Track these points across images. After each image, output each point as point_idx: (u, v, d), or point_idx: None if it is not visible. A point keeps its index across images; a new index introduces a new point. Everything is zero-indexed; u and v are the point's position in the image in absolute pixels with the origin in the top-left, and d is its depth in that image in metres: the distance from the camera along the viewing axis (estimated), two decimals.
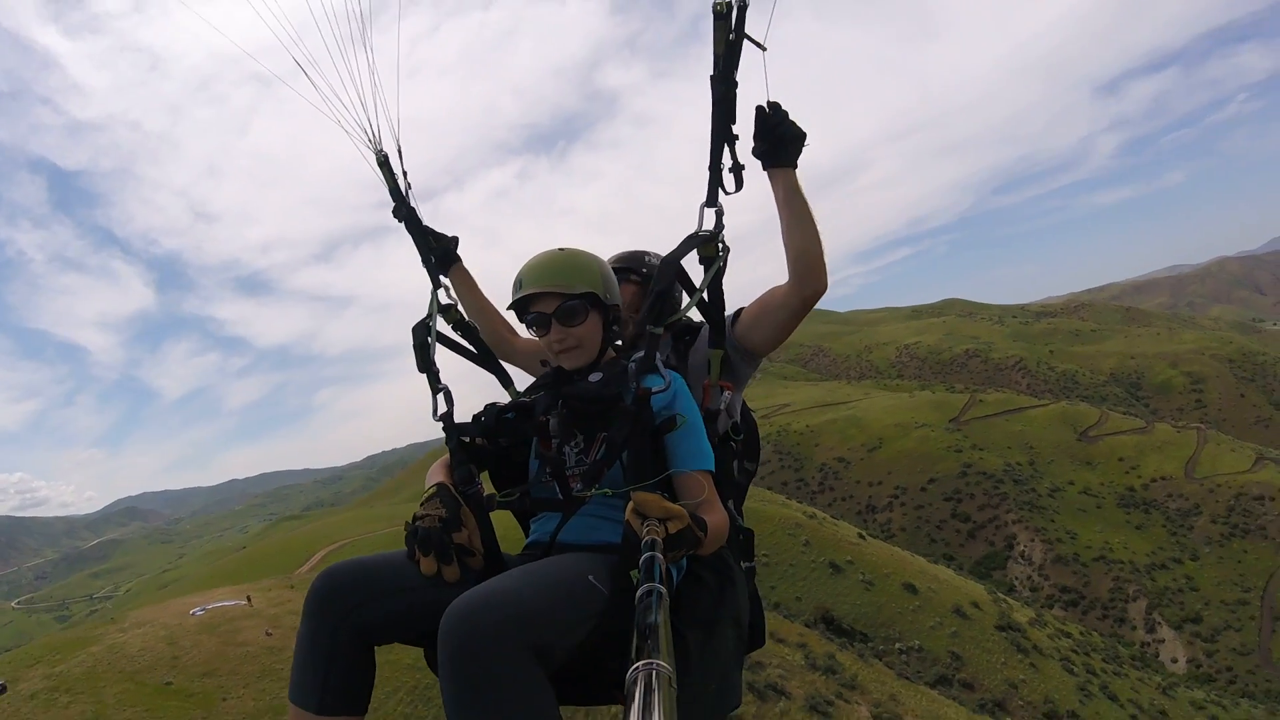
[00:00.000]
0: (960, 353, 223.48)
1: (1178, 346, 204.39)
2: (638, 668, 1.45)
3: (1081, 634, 74.80)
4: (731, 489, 3.20)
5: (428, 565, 2.59)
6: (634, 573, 2.23)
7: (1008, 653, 59.77)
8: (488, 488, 3.05)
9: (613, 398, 2.84)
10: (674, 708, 1.36)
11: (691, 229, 3.18)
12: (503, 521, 3.02)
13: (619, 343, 3.27)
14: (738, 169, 3.16)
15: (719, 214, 3.18)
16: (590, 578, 2.49)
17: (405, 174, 3.63)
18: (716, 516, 2.66)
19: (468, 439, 3.08)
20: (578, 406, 2.91)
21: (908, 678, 48.96)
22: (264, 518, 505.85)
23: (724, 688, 2.75)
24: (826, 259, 3.24)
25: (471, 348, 3.56)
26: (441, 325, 3.43)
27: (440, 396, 3.14)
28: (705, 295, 3.21)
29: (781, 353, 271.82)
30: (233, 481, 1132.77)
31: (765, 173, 3.25)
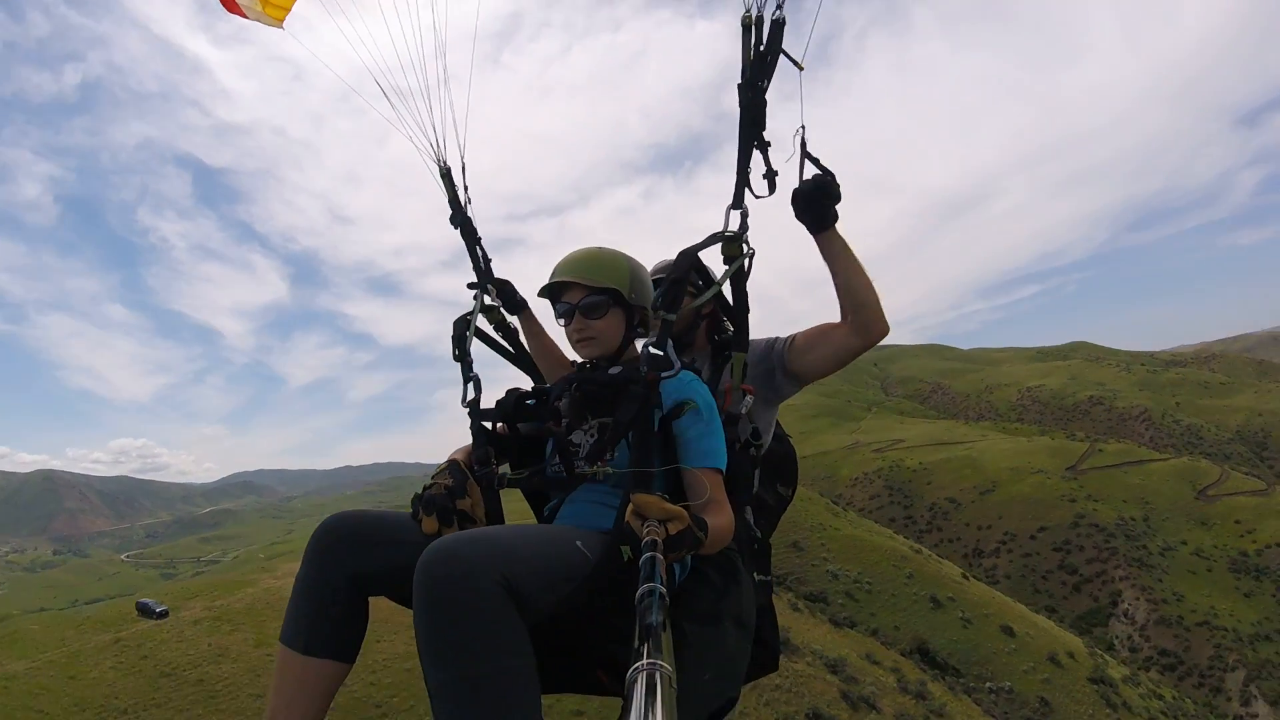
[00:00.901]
0: (1084, 399, 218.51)
1: None
2: (638, 667, 1.48)
3: (1174, 698, 75.29)
4: (749, 496, 3.23)
5: (429, 524, 2.66)
6: (625, 549, 2.40)
7: (1096, 705, 61.61)
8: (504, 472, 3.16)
9: (623, 382, 2.91)
10: (674, 708, 1.40)
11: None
12: (516, 512, 3.08)
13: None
14: (771, 175, 3.27)
15: (744, 216, 3.26)
16: (578, 543, 2.54)
17: (466, 188, 3.88)
18: (720, 518, 2.67)
19: (490, 424, 3.21)
20: (590, 390, 3.01)
21: (994, 717, 51.95)
22: (374, 503, 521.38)
23: (720, 681, 2.74)
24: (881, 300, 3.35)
25: (509, 347, 3.81)
26: (483, 324, 3.64)
27: (470, 384, 3.30)
28: (729, 295, 3.36)
29: (899, 388, 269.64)
30: (348, 467, 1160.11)
31: (812, 237, 3.39)
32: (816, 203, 3.27)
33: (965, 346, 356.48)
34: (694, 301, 3.37)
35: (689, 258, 3.21)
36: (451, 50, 3.58)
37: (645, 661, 1.48)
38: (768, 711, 33.80)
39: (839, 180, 3.30)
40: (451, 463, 2.95)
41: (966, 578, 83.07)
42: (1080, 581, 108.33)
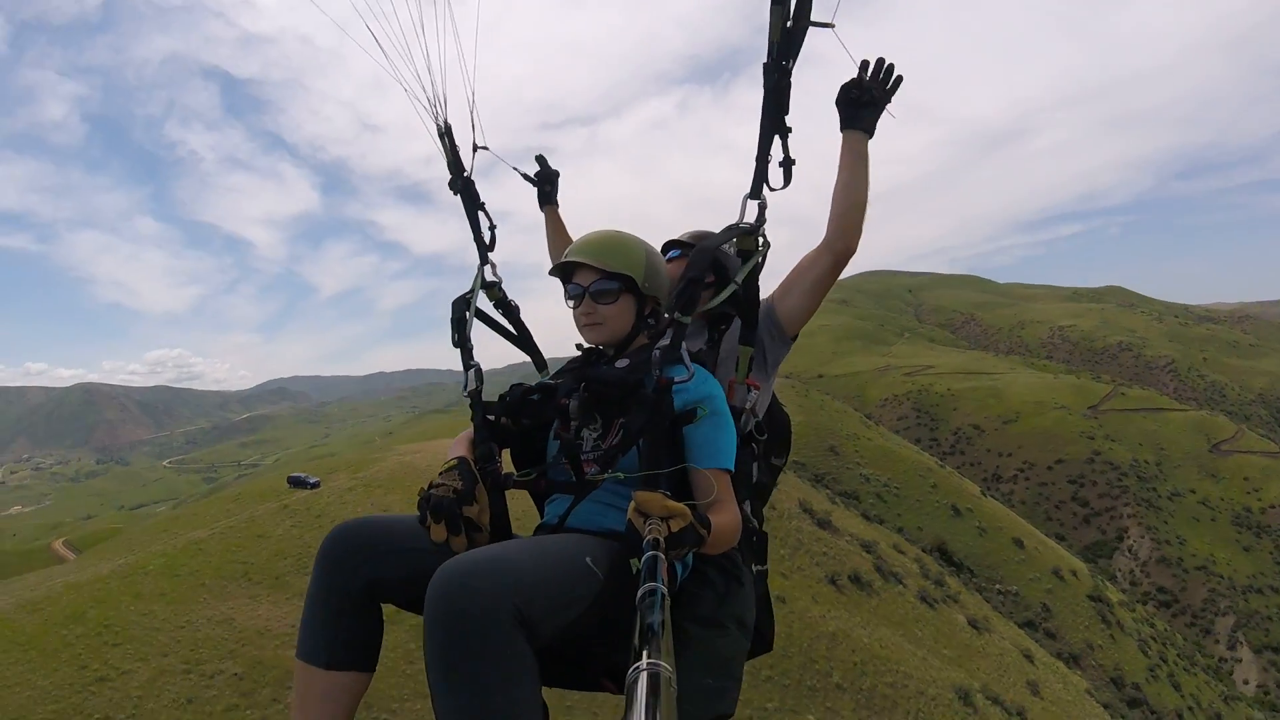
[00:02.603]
0: (1113, 344, 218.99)
1: None
2: (639, 668, 1.44)
3: (1165, 630, 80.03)
4: (749, 489, 3.20)
5: (438, 532, 2.61)
6: (634, 561, 2.40)
7: (1092, 619, 66.68)
8: (508, 467, 3.11)
9: (634, 384, 2.86)
10: (674, 709, 1.37)
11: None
12: (521, 506, 3.16)
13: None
14: (788, 164, 3.15)
15: (761, 207, 3.19)
16: (588, 560, 2.51)
17: (475, 148, 3.60)
18: (725, 517, 2.66)
19: (492, 417, 3.15)
20: (599, 391, 2.92)
21: (1001, 612, 57.55)
22: (408, 410, 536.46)
23: (721, 684, 2.77)
24: (865, 214, 3.25)
25: (511, 327, 3.62)
26: (484, 302, 3.47)
27: (471, 373, 3.21)
28: (741, 288, 3.24)
29: (932, 316, 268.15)
30: (380, 374, 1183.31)
31: (841, 133, 3.30)
32: (877, 106, 3.27)
33: (1001, 280, 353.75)
34: (709, 303, 3.27)
35: (708, 255, 3.13)
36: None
37: (646, 661, 1.46)
38: (818, 570, 39.25)
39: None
40: (461, 461, 2.87)
41: (984, 494, 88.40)
42: (1090, 514, 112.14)
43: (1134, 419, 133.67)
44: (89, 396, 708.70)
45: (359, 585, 2.57)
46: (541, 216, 4.25)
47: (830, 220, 3.26)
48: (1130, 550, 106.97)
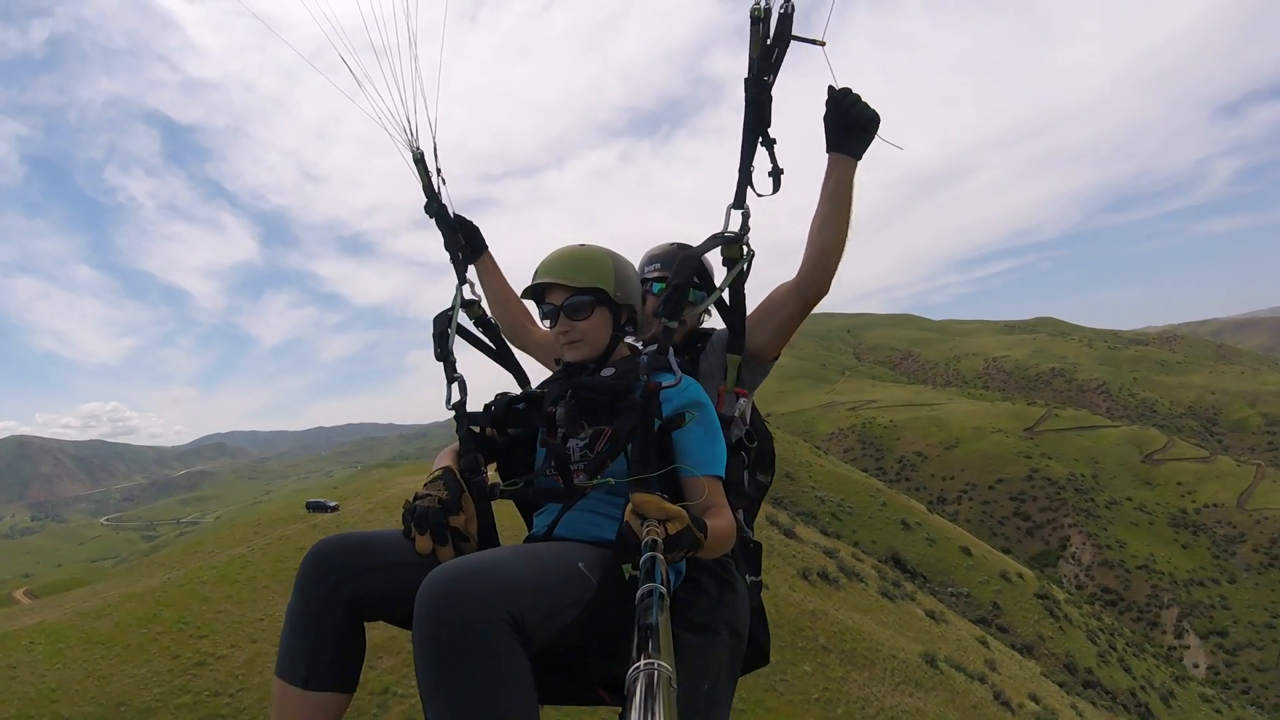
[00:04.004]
0: (1046, 370, 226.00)
1: (1259, 387, 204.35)
2: (639, 667, 1.43)
3: (1113, 624, 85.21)
4: (741, 499, 3.14)
5: (423, 544, 2.56)
6: (627, 567, 2.37)
7: (1041, 614, 71.74)
8: (494, 479, 3.06)
9: (622, 390, 2.82)
10: (674, 708, 1.35)
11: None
12: (509, 520, 3.12)
13: (637, 342, 3.32)
14: (777, 172, 3.19)
15: (745, 216, 3.18)
16: (580, 565, 2.48)
17: (439, 172, 3.61)
18: (720, 521, 2.63)
19: (477, 428, 3.12)
20: (586, 398, 2.86)
21: (955, 610, 61.90)
22: (350, 465, 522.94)
23: (715, 692, 2.73)
24: (842, 261, 3.28)
25: (490, 343, 3.59)
26: (464, 320, 3.48)
27: (454, 385, 3.18)
28: (726, 298, 3.26)
29: (871, 354, 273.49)
30: (320, 429, 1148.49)
31: (827, 154, 3.26)
32: (872, 127, 3.23)
33: (936, 318, 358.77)
34: (694, 310, 3.34)
35: (692, 262, 3.15)
36: (422, 32, 3.34)
37: (645, 662, 1.44)
38: (789, 568, 43.71)
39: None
40: (446, 471, 2.85)
41: (931, 511, 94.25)
42: (1033, 527, 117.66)
43: (1068, 437, 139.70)
44: (23, 449, 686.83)
45: (340, 604, 2.48)
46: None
47: (806, 259, 3.28)
48: (1074, 557, 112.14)
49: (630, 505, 2.37)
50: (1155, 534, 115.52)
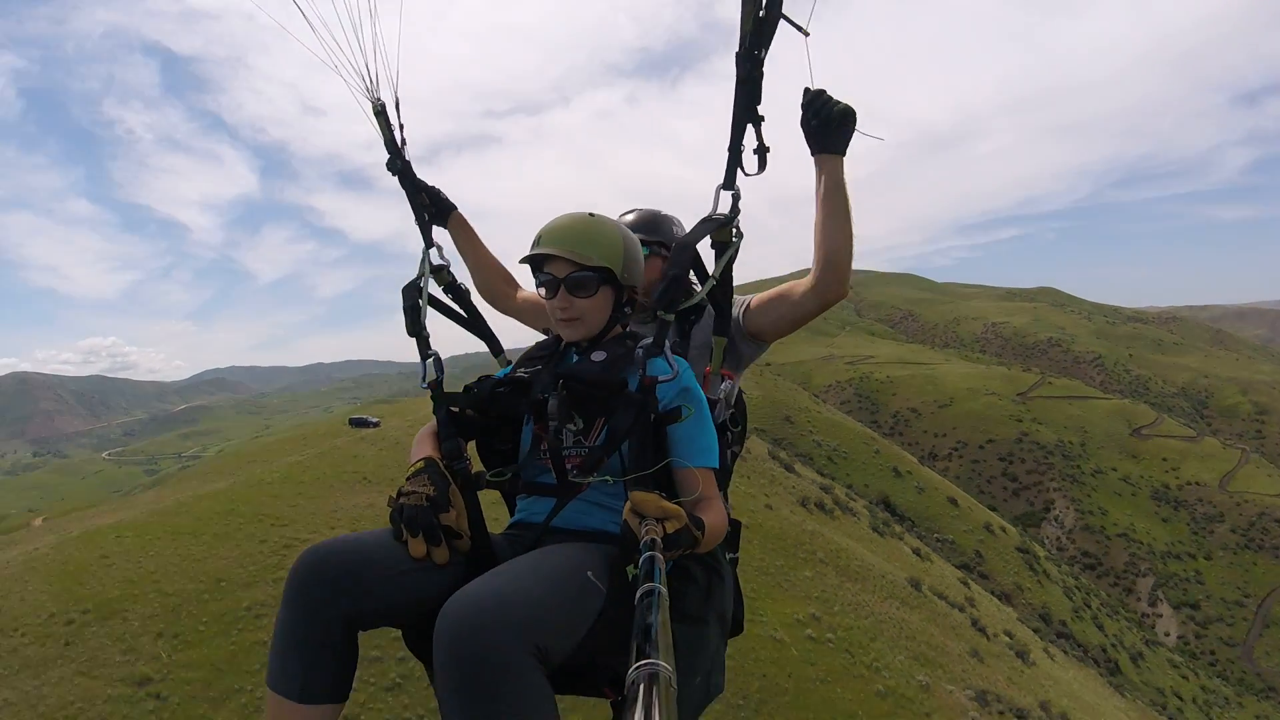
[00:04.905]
0: (1043, 339, 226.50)
1: (1254, 375, 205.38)
2: (639, 667, 1.42)
3: (1090, 585, 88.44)
4: (727, 480, 3.13)
5: (417, 547, 2.49)
6: (630, 569, 2.32)
7: (1020, 566, 74.74)
8: (475, 464, 2.95)
9: (617, 383, 2.78)
10: (674, 708, 1.35)
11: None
12: (490, 499, 2.92)
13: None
14: (762, 150, 3.12)
15: (735, 198, 3.14)
16: (589, 574, 2.45)
17: (402, 127, 3.43)
18: (715, 515, 2.62)
19: (457, 410, 2.99)
20: (579, 389, 2.81)
21: (939, 554, 64.62)
22: (348, 400, 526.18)
23: (708, 680, 2.78)
24: (854, 255, 3.20)
25: (462, 311, 3.47)
26: (433, 288, 3.31)
27: (430, 363, 3.06)
28: (717, 281, 3.18)
29: (871, 311, 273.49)
30: (319, 364, 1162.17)
31: (812, 158, 3.23)
32: (849, 121, 3.18)
33: (939, 280, 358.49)
34: (689, 301, 3.14)
35: (689, 252, 3.11)
36: None
37: (645, 661, 1.44)
38: (790, 496, 46.30)
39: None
40: (429, 463, 2.71)
41: (921, 463, 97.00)
42: (1019, 488, 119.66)
43: (1060, 405, 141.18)
44: (24, 386, 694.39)
45: (335, 621, 2.38)
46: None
47: (818, 263, 3.22)
48: (1056, 520, 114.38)
49: (629, 504, 2.37)
50: (1137, 505, 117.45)
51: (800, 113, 3.20)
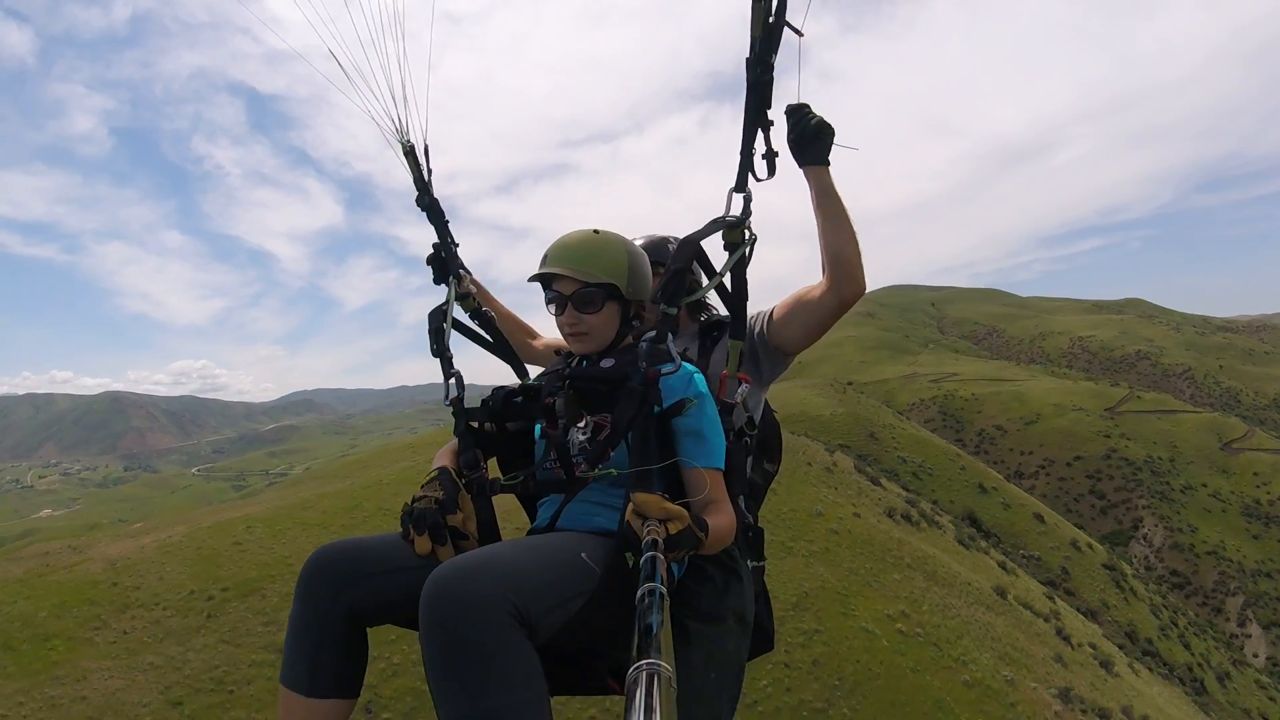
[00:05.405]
0: (1131, 352, 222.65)
1: None
2: (639, 667, 1.43)
3: (1178, 603, 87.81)
4: (743, 486, 3.13)
5: (422, 545, 2.55)
6: (629, 555, 2.38)
7: (1107, 584, 75.12)
8: (495, 475, 3.01)
9: (620, 377, 2.81)
10: (674, 708, 1.36)
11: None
12: (512, 514, 3.13)
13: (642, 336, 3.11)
14: (771, 155, 3.15)
15: (747, 200, 3.16)
16: (583, 555, 2.48)
17: (430, 171, 3.55)
18: (721, 518, 2.62)
19: (475, 424, 3.08)
20: (584, 387, 2.87)
21: (1025, 570, 65.79)
22: (432, 422, 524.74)
23: (724, 678, 2.75)
24: (864, 259, 3.19)
25: (487, 336, 3.54)
26: (459, 313, 3.40)
27: (452, 382, 3.13)
28: (728, 283, 3.22)
29: (954, 329, 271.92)
30: (403, 387, 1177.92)
31: (801, 171, 3.25)
32: (824, 134, 3.19)
33: (1022, 294, 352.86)
34: (693, 295, 3.18)
35: (691, 247, 3.11)
36: (410, 17, 3.29)
37: (645, 661, 1.45)
38: (877, 507, 48.66)
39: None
40: (441, 471, 2.82)
41: (1007, 481, 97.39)
42: (1107, 506, 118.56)
43: (1148, 420, 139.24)
44: (117, 404, 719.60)
45: (339, 613, 2.47)
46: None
47: (827, 264, 3.22)
48: (1145, 538, 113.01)
49: (631, 505, 2.39)
50: (1227, 523, 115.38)
51: (788, 128, 3.26)
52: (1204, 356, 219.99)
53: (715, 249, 3.23)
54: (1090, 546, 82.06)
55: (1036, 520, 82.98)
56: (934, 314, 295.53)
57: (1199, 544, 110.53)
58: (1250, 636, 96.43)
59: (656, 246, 3.67)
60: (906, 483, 79.38)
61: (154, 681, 28.76)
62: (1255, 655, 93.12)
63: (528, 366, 3.64)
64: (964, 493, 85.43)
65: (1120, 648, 58.30)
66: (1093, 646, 46.71)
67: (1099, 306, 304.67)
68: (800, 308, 3.31)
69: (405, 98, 3.37)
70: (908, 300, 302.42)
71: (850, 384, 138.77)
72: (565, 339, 3.05)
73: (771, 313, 3.41)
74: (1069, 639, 43.41)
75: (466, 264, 3.49)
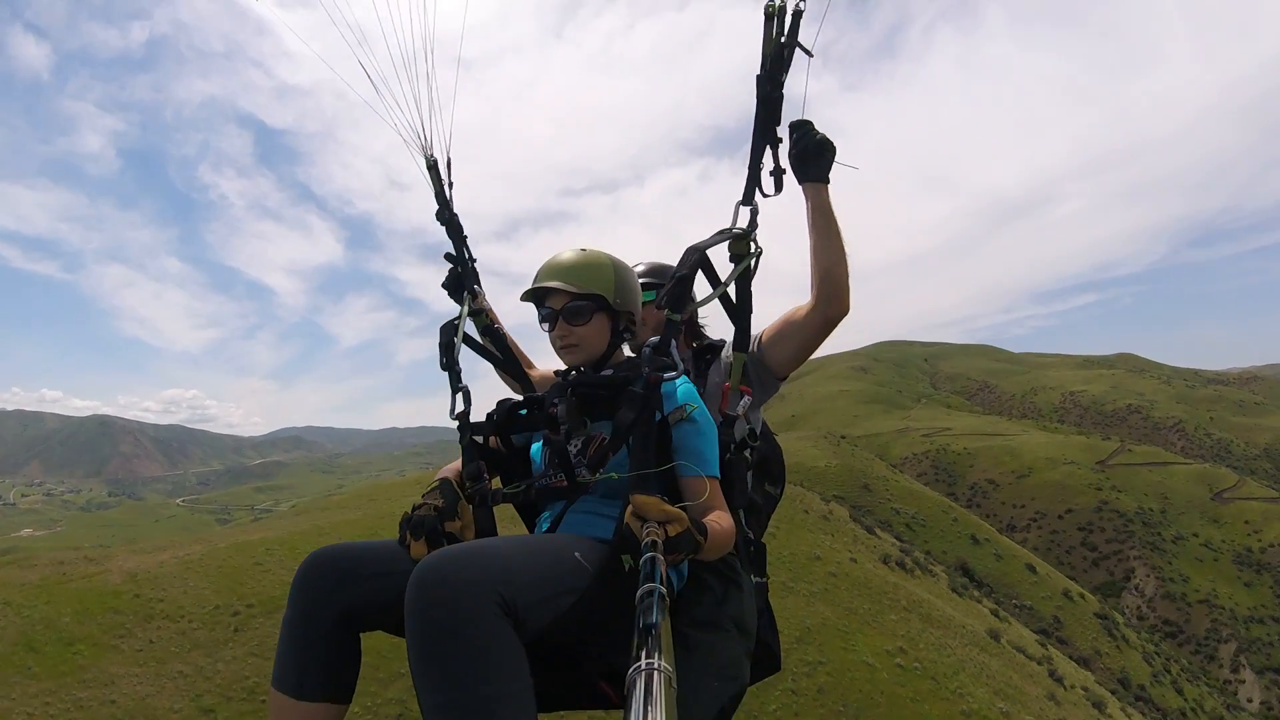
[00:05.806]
0: (1122, 406, 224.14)
1: None
2: (638, 667, 1.43)
3: (1170, 651, 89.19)
4: (744, 499, 3.15)
5: (417, 550, 2.55)
6: (626, 558, 2.34)
7: (1099, 632, 76.09)
8: (497, 487, 3.02)
9: (622, 382, 2.83)
10: (674, 709, 1.35)
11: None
12: (513, 528, 3.00)
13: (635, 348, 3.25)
14: (778, 172, 3.18)
15: (754, 213, 3.17)
16: (577, 554, 2.48)
17: (451, 185, 3.57)
18: (719, 524, 2.61)
19: (480, 437, 3.10)
20: (587, 393, 2.89)
21: (1017, 620, 67.24)
22: (421, 465, 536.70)
23: (724, 684, 2.68)
24: (851, 280, 3.19)
25: (497, 353, 3.55)
26: (470, 328, 3.37)
27: (459, 396, 3.12)
28: (733, 295, 3.22)
29: (947, 384, 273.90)
30: (394, 429, 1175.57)
31: (800, 187, 3.25)
32: (826, 151, 3.20)
33: (1015, 349, 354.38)
34: (696, 304, 3.16)
35: (696, 254, 3.10)
36: (439, 38, 3.28)
37: (645, 662, 1.45)
38: (873, 554, 50.60)
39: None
40: (442, 481, 2.86)
41: (1000, 534, 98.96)
42: (1099, 558, 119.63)
43: (1139, 472, 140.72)
44: (105, 428, 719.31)
45: (332, 615, 2.46)
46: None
47: (816, 282, 3.22)
48: (1137, 588, 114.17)
49: (630, 507, 2.38)
50: (1219, 571, 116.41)
51: (790, 143, 3.26)
52: (1195, 409, 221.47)
53: (720, 258, 3.27)
54: (1082, 596, 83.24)
55: (1029, 570, 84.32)
56: (927, 369, 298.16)
57: (1191, 593, 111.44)
58: (1244, 682, 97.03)
59: (656, 270, 3.79)
60: (900, 533, 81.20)
61: (184, 689, 30.01)
62: (1249, 700, 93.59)
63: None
64: (957, 543, 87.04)
65: (1113, 693, 59.01)
66: (1085, 689, 48.10)
67: (1090, 362, 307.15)
68: (788, 328, 3.32)
69: (431, 112, 3.44)
70: (901, 355, 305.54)
71: (844, 437, 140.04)
72: (557, 353, 3.11)
73: (760, 335, 3.42)
74: (1062, 680, 44.98)
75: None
